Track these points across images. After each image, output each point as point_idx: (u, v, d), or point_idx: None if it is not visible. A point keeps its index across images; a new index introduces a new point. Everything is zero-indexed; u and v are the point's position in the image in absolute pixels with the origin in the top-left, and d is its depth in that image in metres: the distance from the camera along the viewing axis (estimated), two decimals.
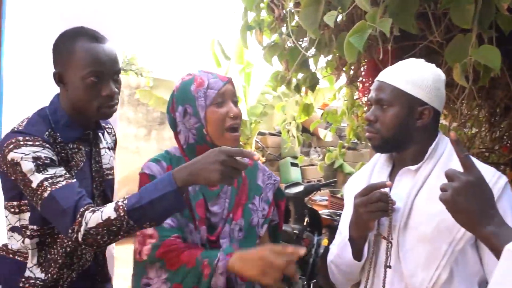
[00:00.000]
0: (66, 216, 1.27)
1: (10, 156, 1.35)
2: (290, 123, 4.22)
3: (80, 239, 1.25)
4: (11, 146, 1.36)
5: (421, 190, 1.32)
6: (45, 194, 1.30)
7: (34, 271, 1.45)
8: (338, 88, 4.05)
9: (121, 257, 5.48)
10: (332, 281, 1.54)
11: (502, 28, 1.81)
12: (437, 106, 1.36)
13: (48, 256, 1.46)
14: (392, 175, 1.43)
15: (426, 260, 1.26)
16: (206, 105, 1.44)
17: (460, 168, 1.29)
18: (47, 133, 1.42)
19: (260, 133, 8.90)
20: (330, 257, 1.52)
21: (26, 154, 1.33)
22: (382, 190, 1.28)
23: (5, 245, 1.50)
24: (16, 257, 1.46)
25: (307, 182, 7.75)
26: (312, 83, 3.25)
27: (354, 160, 8.37)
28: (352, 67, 3.22)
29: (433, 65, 1.41)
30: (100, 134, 1.64)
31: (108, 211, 1.24)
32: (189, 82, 1.48)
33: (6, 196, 1.47)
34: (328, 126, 7.14)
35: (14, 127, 1.45)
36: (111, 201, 1.60)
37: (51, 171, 1.34)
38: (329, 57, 3.10)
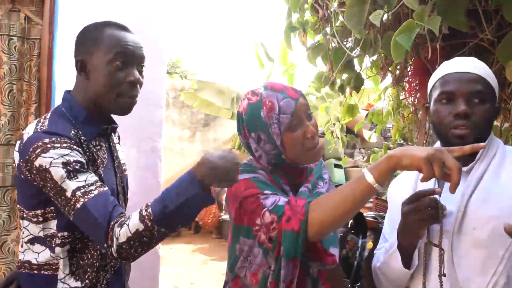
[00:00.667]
0: (101, 228, 1.21)
1: (38, 162, 1.26)
2: (334, 124, 4.18)
3: (115, 254, 1.21)
4: (38, 150, 1.26)
5: (474, 193, 1.25)
6: (78, 205, 1.23)
7: (67, 282, 1.35)
8: (384, 88, 3.99)
9: (166, 257, 5.60)
10: (377, 287, 1.50)
11: None
12: None
13: (81, 262, 1.38)
14: None
15: (482, 265, 1.21)
16: (281, 132, 1.35)
17: None
18: (72, 131, 1.34)
19: None
20: (375, 263, 1.46)
21: (55, 159, 1.25)
22: (432, 196, 1.23)
23: (26, 262, 1.38)
24: (43, 271, 1.36)
25: None
26: (357, 83, 3.21)
27: None
28: (398, 67, 3.17)
29: None
30: (115, 130, 1.59)
31: (134, 222, 1.20)
32: (257, 106, 1.37)
33: (28, 204, 1.36)
34: (373, 127, 7.04)
35: (36, 128, 1.35)
36: (127, 198, 1.61)
37: (82, 178, 1.26)
38: (374, 57, 3.06)
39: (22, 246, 1.41)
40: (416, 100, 3.05)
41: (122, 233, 1.19)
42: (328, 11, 2.76)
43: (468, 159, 1.29)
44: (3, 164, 3.39)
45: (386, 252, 1.40)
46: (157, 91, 3.93)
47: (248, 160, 1.51)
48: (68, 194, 1.24)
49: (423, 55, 2.40)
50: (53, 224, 1.36)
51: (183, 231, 7.53)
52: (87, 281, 1.38)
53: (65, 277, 1.36)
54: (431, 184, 1.34)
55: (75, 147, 1.30)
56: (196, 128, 8.58)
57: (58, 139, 1.29)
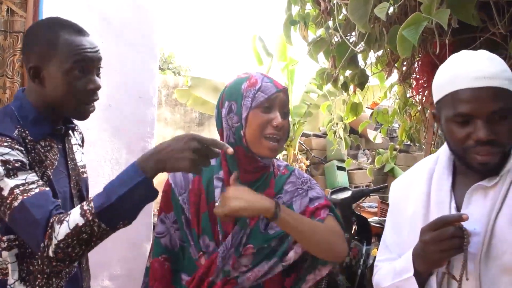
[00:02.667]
0: (38, 227, 1.20)
1: None
2: (337, 123, 4.18)
3: (51, 255, 1.19)
4: None
5: (500, 212, 1.18)
6: (15, 203, 1.22)
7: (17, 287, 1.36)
8: (389, 85, 4.00)
9: None
10: None
11: None
12: None
13: (31, 267, 1.37)
14: (455, 189, 1.30)
15: None
16: (251, 106, 1.44)
17: None
18: (16, 131, 1.34)
19: (304, 135, 8.86)
20: (380, 281, 1.39)
21: None
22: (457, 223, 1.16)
23: None
24: None
25: (355, 187, 7.66)
26: (361, 80, 3.22)
27: (406, 163, 8.21)
28: (405, 63, 3.17)
29: None
30: (72, 130, 1.59)
31: (74, 217, 1.18)
32: (242, 80, 1.49)
33: None
34: (378, 127, 7.04)
35: None
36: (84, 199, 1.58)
37: (21, 177, 1.26)
38: (380, 53, 3.06)
39: None
40: (424, 98, 3.05)
41: (61, 230, 1.18)
42: (331, 4, 2.76)
43: (490, 172, 1.22)
44: None
45: (396, 274, 1.33)
46: (148, 88, 3.91)
47: None
48: (5, 192, 1.24)
49: (431, 51, 2.41)
50: None
51: None
52: (37, 287, 1.38)
53: (14, 282, 1.36)
54: (447, 193, 1.28)
55: (17, 146, 1.30)
56: (190, 128, 8.59)
57: (0, 137, 1.30)
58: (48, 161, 1.41)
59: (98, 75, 1.45)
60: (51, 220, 1.20)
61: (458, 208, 1.27)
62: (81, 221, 1.18)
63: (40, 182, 1.29)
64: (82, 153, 1.63)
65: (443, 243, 1.15)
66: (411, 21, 1.85)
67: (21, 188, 1.24)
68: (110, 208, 1.19)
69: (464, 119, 1.20)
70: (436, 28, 1.89)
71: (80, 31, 1.43)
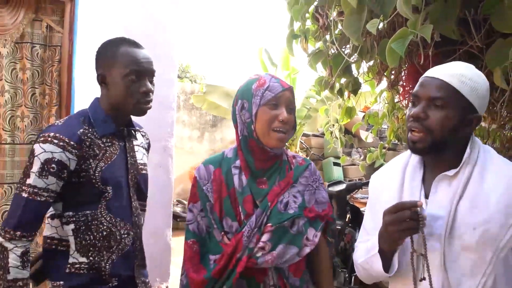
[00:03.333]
0: (18, 223, 1.40)
1: (35, 146, 1.44)
2: (333, 125, 4.18)
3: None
4: (41, 138, 1.45)
5: (462, 198, 1.21)
6: (23, 195, 1.41)
7: (75, 256, 1.48)
8: (379, 92, 3.98)
9: (177, 248, 5.61)
10: (360, 278, 1.46)
11: None
12: (482, 113, 1.26)
13: (84, 242, 1.49)
14: (425, 179, 1.31)
15: (472, 268, 1.18)
16: (259, 104, 1.45)
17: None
18: (81, 129, 1.50)
19: (305, 135, 8.85)
20: (357, 258, 1.42)
21: (45, 151, 1.43)
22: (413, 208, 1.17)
23: (47, 237, 1.54)
24: (59, 247, 1.50)
25: (349, 180, 7.64)
26: (354, 87, 3.21)
27: None
28: (393, 72, 3.15)
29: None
30: (134, 132, 1.70)
31: (18, 267, 1.39)
32: (253, 80, 1.51)
33: None
34: (369, 128, 7.01)
35: (57, 121, 1.55)
36: (144, 193, 1.70)
37: (48, 180, 1.42)
38: (371, 63, 3.05)
39: (45, 221, 1.55)
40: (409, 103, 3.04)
41: (13, 249, 1.40)
42: (328, 20, 2.75)
43: (452, 163, 1.24)
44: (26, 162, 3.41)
45: (367, 251, 1.36)
46: (168, 94, 3.93)
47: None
48: (27, 181, 1.42)
49: (416, 61, 2.39)
50: (59, 205, 1.50)
51: None
52: (91, 258, 1.50)
53: (74, 252, 1.49)
54: (418, 183, 1.30)
55: (69, 147, 1.45)
56: (205, 129, 8.58)
57: (59, 136, 1.45)
58: (107, 154, 1.54)
59: (151, 82, 1.57)
60: (11, 229, 1.41)
61: (427, 196, 1.28)
62: (11, 264, 1.39)
63: (52, 194, 1.45)
64: (144, 154, 1.74)
65: (401, 224, 1.17)
66: (398, 35, 1.84)
67: (36, 190, 1.42)
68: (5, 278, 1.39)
69: (414, 100, 1.27)
70: (420, 41, 1.88)
71: (136, 45, 1.57)
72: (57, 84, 3.47)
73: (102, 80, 1.56)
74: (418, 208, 1.16)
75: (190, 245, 1.52)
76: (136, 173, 1.63)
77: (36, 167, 1.41)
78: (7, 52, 3.30)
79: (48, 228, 1.53)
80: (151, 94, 1.57)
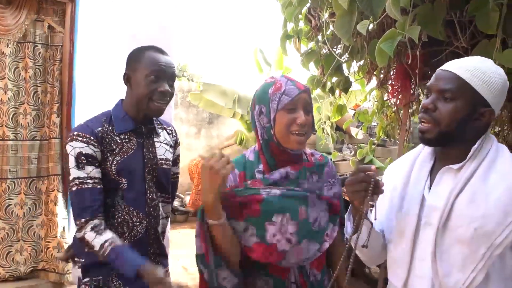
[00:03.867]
0: (80, 212, 1.54)
1: (66, 147, 1.58)
2: (325, 122, 4.19)
3: (79, 235, 1.53)
4: (69, 138, 1.59)
5: (462, 192, 1.17)
6: (73, 188, 1.55)
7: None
8: (369, 90, 3.99)
9: (175, 240, 5.61)
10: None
11: None
12: (497, 109, 1.20)
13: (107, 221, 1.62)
14: (433, 170, 1.28)
15: (463, 262, 1.14)
16: (277, 109, 1.41)
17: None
18: (100, 128, 1.62)
19: None
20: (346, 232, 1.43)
21: (74, 148, 1.56)
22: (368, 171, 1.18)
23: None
24: None
25: (340, 175, 7.65)
26: (345, 86, 3.21)
27: (382, 155, 8.19)
28: (382, 71, 3.16)
29: (502, 69, 1.22)
30: (158, 130, 1.78)
31: (98, 242, 1.51)
32: (269, 84, 1.46)
33: None
34: (359, 125, 7.03)
35: (81, 122, 1.66)
36: (165, 187, 1.77)
37: (87, 170, 1.56)
38: (361, 62, 3.06)
39: None
40: (398, 101, 3.05)
41: (88, 235, 1.52)
42: (320, 21, 2.75)
43: (460, 156, 1.21)
44: (28, 158, 3.39)
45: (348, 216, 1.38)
46: None
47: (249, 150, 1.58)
48: (71, 177, 1.56)
49: (405, 61, 2.40)
50: None
51: (190, 217, 7.55)
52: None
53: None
54: (426, 173, 1.28)
55: (92, 142, 1.58)
56: (202, 126, 8.56)
57: (81, 133, 1.58)
58: (124, 149, 1.64)
59: (170, 85, 1.67)
60: (87, 217, 1.54)
61: (431, 186, 1.26)
62: (97, 247, 1.51)
63: (97, 180, 1.58)
64: (167, 150, 1.80)
65: (354, 186, 1.18)
66: (387, 36, 1.85)
67: (81, 180, 1.55)
68: (111, 262, 1.51)
69: (427, 92, 1.24)
70: (408, 42, 1.89)
71: (161, 51, 1.67)
72: (59, 82, 3.45)
73: (127, 79, 1.67)
74: (372, 173, 1.17)
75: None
76: (154, 167, 1.71)
77: (72, 163, 1.55)
78: (10, 52, 3.28)
79: None
80: (168, 95, 1.65)
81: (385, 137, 4.53)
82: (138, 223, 1.66)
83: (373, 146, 4.40)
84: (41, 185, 3.45)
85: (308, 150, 1.60)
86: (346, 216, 1.39)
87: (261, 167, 1.48)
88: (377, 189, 1.17)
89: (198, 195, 6.54)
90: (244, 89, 7.64)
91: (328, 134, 4.22)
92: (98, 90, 3.58)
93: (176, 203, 7.04)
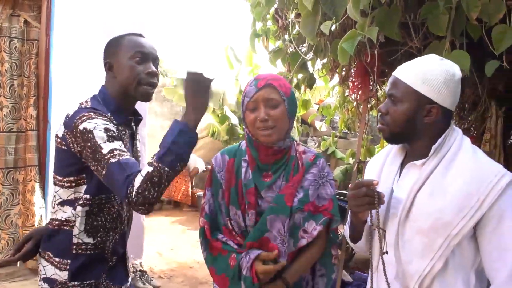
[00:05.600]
0: (127, 181, 1.23)
1: (83, 125, 1.30)
2: None
3: (134, 199, 1.22)
4: (84, 117, 1.32)
5: (423, 186, 1.18)
6: (113, 160, 1.26)
7: (81, 237, 1.40)
8: (332, 86, 4.04)
9: (149, 227, 5.56)
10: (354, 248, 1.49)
11: (472, 35, 1.79)
12: (448, 104, 1.19)
13: (95, 223, 1.42)
14: (403, 165, 1.30)
15: (422, 251, 1.16)
16: (244, 110, 1.47)
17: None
18: (108, 114, 1.40)
19: None
20: (345, 231, 1.46)
21: (98, 125, 1.30)
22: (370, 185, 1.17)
23: (54, 219, 1.44)
24: (63, 227, 1.41)
25: None
26: (310, 82, 3.24)
27: (344, 147, 8.32)
28: (344, 69, 3.20)
29: (450, 63, 1.23)
30: (139, 121, 1.62)
31: (145, 168, 1.24)
32: (245, 87, 1.50)
33: (63, 172, 1.40)
34: (323, 119, 7.12)
35: (81, 106, 1.40)
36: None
37: (117, 143, 1.31)
38: (325, 60, 3.08)
39: (53, 208, 1.44)
40: (358, 96, 3.10)
41: (137, 179, 1.22)
42: (286, 21, 2.76)
43: (424, 152, 1.23)
44: (5, 149, 3.28)
45: (346, 225, 1.40)
46: None
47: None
48: (105, 151, 1.27)
49: (364, 59, 2.44)
50: (83, 188, 1.39)
51: (164, 206, 7.47)
52: (98, 238, 1.43)
53: (79, 233, 1.40)
54: (396, 167, 1.29)
55: (112, 123, 1.36)
56: (175, 118, 8.48)
57: (101, 113, 1.36)
58: (124, 142, 1.44)
59: (156, 67, 1.48)
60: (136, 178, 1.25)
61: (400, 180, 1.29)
62: (150, 169, 1.22)
63: (129, 152, 1.33)
64: (139, 141, 1.67)
65: (358, 200, 1.17)
66: (348, 36, 1.87)
67: (118, 151, 1.28)
68: (167, 153, 1.23)
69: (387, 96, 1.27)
70: (367, 42, 1.92)
71: (140, 35, 1.50)
72: (35, 76, 3.34)
73: (109, 67, 1.47)
74: (376, 187, 1.16)
75: (204, 222, 1.51)
76: (137, 158, 1.60)
77: (101, 138, 1.29)
78: None
79: (58, 213, 1.42)
80: (155, 76, 1.46)
81: (346, 130, 4.61)
82: (126, 217, 1.54)
83: (336, 138, 4.47)
84: (18, 175, 3.34)
85: (302, 148, 1.57)
86: (347, 224, 1.40)
87: (246, 157, 1.51)
88: (380, 201, 1.17)
89: (171, 185, 6.50)
90: (216, 85, 7.59)
91: (294, 127, 4.25)
92: (75, 84, 3.49)
93: None
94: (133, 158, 1.32)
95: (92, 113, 1.33)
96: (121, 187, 1.24)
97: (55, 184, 1.43)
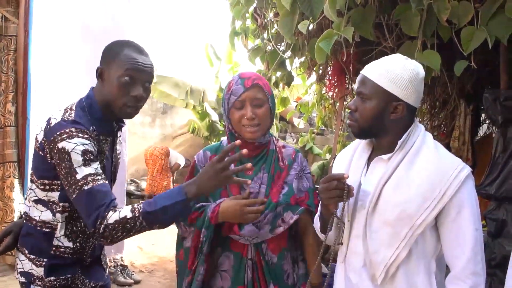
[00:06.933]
0: (98, 210, 1.21)
1: (62, 144, 1.25)
2: None
3: (101, 231, 1.20)
4: (65, 135, 1.27)
5: (389, 180, 1.21)
6: (86, 187, 1.23)
7: (61, 241, 1.38)
8: (309, 84, 4.06)
9: None
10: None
11: (442, 36, 1.83)
12: (412, 101, 1.22)
13: (75, 228, 1.39)
14: (370, 160, 1.32)
15: (389, 241, 1.19)
16: (228, 107, 1.47)
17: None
18: (91, 127, 1.35)
19: None
20: (315, 223, 1.46)
21: (77, 145, 1.25)
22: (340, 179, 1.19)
23: (31, 218, 1.39)
24: (44, 228, 1.37)
25: None
26: (288, 80, 3.26)
27: (321, 143, 8.38)
28: (321, 67, 3.23)
29: (414, 62, 1.25)
30: (121, 128, 1.56)
31: (125, 211, 1.21)
32: (228, 84, 1.50)
33: (38, 174, 1.37)
34: (301, 116, 7.14)
35: (64, 116, 1.33)
36: (115, 178, 1.58)
37: (93, 166, 1.27)
38: (302, 59, 3.10)
39: (29, 202, 1.41)
40: (335, 94, 3.13)
41: (113, 216, 1.20)
42: (265, 20, 2.76)
43: (390, 147, 1.25)
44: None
45: (316, 217, 1.41)
46: None
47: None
48: (79, 176, 1.24)
49: (340, 58, 2.46)
50: (56, 194, 1.36)
51: None
52: (77, 243, 1.40)
53: (60, 237, 1.38)
54: (363, 161, 1.32)
55: (92, 139, 1.31)
56: (156, 115, 8.37)
57: (82, 129, 1.30)
58: (103, 151, 1.41)
59: (145, 88, 1.40)
60: (110, 208, 1.22)
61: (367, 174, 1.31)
62: (129, 215, 1.20)
63: (103, 175, 1.29)
64: (120, 142, 1.60)
65: (329, 192, 1.19)
66: (325, 35, 1.89)
67: (92, 177, 1.25)
68: (153, 213, 1.21)
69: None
70: (343, 41, 1.93)
71: (140, 51, 1.40)
72: (13, 72, 3.25)
73: (100, 74, 1.40)
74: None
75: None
76: (116, 164, 1.56)
77: (78, 161, 1.25)
78: None
79: (33, 210, 1.39)
80: (142, 100, 1.40)
81: (324, 127, 4.65)
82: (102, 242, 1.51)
83: (313, 135, 4.51)
84: None
85: (281, 143, 1.60)
86: (316, 216, 1.42)
87: None
88: (350, 193, 1.19)
89: (153, 180, 6.43)
90: (196, 82, 7.53)
91: (273, 124, 4.27)
92: (54, 80, 3.41)
93: (132, 187, 6.87)
94: (106, 182, 1.29)
95: (73, 130, 1.28)
96: (89, 216, 1.22)
97: (31, 181, 1.40)
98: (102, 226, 1.20)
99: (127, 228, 1.21)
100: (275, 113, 4.07)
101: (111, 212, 1.21)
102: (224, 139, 1.60)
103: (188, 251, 1.50)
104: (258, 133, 1.46)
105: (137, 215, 1.20)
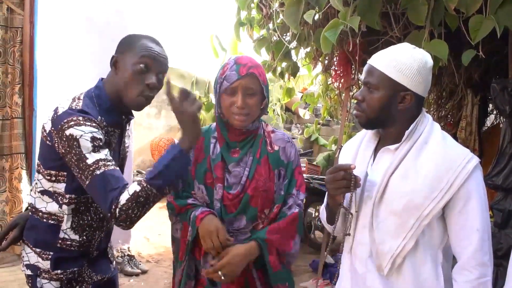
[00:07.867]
0: (112, 193, 1.20)
1: (69, 131, 1.24)
2: (276, 103, 4.22)
3: (117, 215, 1.19)
4: (72, 122, 1.25)
5: (396, 170, 1.20)
6: (98, 172, 1.22)
7: (68, 233, 1.37)
8: (315, 75, 4.04)
9: None
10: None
11: (450, 25, 1.81)
12: (420, 91, 1.21)
13: (81, 222, 1.38)
14: (376, 150, 1.31)
15: (395, 231, 1.18)
16: (219, 91, 1.44)
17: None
18: (99, 117, 1.33)
19: None
20: (321, 214, 1.47)
21: (85, 133, 1.24)
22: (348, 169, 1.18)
23: (37, 209, 1.39)
24: (50, 220, 1.37)
25: None
26: (294, 70, 3.24)
27: (327, 134, 8.37)
28: (327, 58, 3.21)
29: (422, 51, 1.23)
30: (130, 120, 1.55)
31: (133, 187, 1.20)
32: (222, 67, 1.45)
33: (45, 164, 1.35)
34: (306, 106, 7.13)
35: (72, 105, 1.31)
36: (123, 170, 1.57)
37: (103, 152, 1.25)
38: (308, 49, 3.09)
39: (35, 193, 1.40)
40: (340, 84, 3.11)
41: (123, 196, 1.19)
42: (271, 10, 2.74)
43: (397, 137, 1.23)
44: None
45: (323, 208, 1.41)
46: None
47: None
48: (90, 161, 1.22)
49: (346, 48, 2.44)
50: (62, 186, 1.35)
51: None
52: (84, 237, 1.40)
53: (66, 229, 1.37)
54: (370, 151, 1.31)
55: (100, 128, 1.30)
56: (162, 106, 8.38)
57: (90, 118, 1.28)
58: (110, 142, 1.39)
59: (158, 78, 1.39)
60: (123, 192, 1.21)
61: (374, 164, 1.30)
62: (138, 188, 1.19)
63: (113, 162, 1.27)
64: (129, 136, 1.59)
65: (336, 183, 1.18)
66: (331, 25, 1.87)
67: (103, 162, 1.23)
68: (158, 175, 1.20)
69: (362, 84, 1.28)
70: (349, 31, 1.92)
71: (156, 42, 1.41)
72: (20, 63, 3.26)
73: (114, 63, 1.38)
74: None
75: (169, 200, 1.53)
76: (123, 157, 1.55)
77: (87, 147, 1.23)
78: None
79: (39, 201, 1.38)
80: (155, 90, 1.38)
81: (329, 117, 4.64)
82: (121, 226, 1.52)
83: (319, 126, 4.50)
84: (4, 163, 3.28)
85: (270, 128, 1.58)
86: (322, 206, 1.42)
87: (215, 134, 1.51)
88: (356, 184, 1.18)
89: None
90: (201, 73, 7.52)
91: (279, 115, 4.26)
92: (60, 71, 3.42)
93: (138, 178, 6.91)
94: (118, 169, 1.28)
95: (80, 118, 1.26)
96: (104, 200, 1.21)
97: (38, 171, 1.39)
98: (118, 209, 1.19)
99: (141, 202, 1.20)
100: (281, 104, 4.06)
101: (121, 195, 1.20)
102: (214, 123, 1.58)
103: (178, 242, 1.51)
104: (246, 122, 1.44)
105: (144, 185, 1.20)
